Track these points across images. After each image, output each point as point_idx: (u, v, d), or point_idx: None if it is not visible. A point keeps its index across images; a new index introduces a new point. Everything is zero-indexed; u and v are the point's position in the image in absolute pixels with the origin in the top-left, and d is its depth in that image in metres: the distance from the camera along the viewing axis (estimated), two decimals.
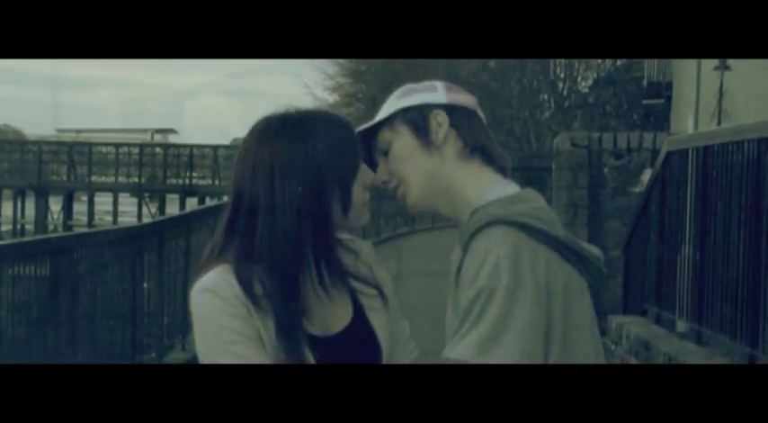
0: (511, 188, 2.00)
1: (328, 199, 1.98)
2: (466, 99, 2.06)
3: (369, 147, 2.07)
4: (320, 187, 1.97)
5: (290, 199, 1.96)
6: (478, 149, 2.01)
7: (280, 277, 1.96)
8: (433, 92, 2.04)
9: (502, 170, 2.03)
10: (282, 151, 1.97)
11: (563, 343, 1.89)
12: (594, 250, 2.00)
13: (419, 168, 2.01)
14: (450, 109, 2.02)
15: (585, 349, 1.94)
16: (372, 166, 2.07)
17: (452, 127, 2.01)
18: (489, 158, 2.02)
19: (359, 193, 2.02)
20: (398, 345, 2.12)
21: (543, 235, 1.89)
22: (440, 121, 2.01)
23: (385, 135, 2.04)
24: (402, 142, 2.03)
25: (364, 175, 2.04)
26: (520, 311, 1.83)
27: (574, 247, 1.93)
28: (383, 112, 2.05)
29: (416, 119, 2.02)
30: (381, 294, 2.11)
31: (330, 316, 2.04)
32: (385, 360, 2.06)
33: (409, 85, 2.08)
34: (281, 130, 2.00)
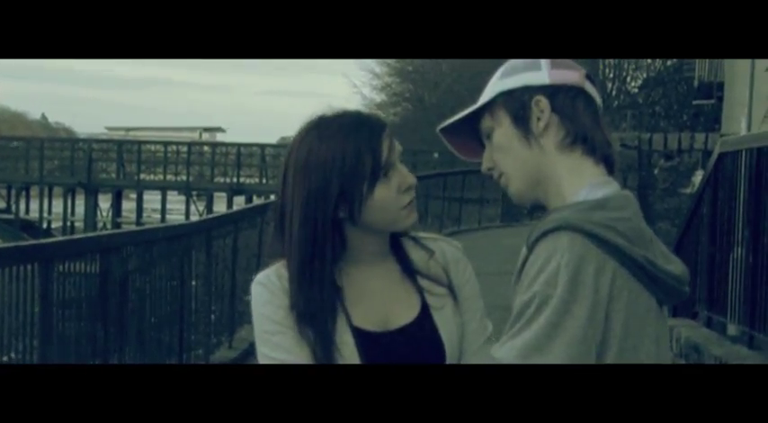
0: (605, 189, 1.89)
1: (335, 201, 1.99)
2: (572, 75, 1.93)
3: (474, 130, 1.99)
4: (326, 189, 1.99)
5: (300, 201, 2.00)
6: (580, 138, 1.91)
7: (300, 276, 2.02)
8: (537, 70, 1.92)
9: (605, 160, 1.93)
10: (302, 154, 2.02)
11: (617, 363, 1.80)
12: (675, 269, 1.89)
13: (519, 160, 1.92)
14: (552, 91, 1.91)
15: None
16: (480, 149, 2.00)
17: (554, 112, 1.90)
18: (592, 148, 1.91)
19: (391, 198, 2.01)
20: (471, 347, 2.09)
21: (614, 249, 1.80)
22: (541, 108, 1.90)
23: (487, 121, 1.96)
24: (502, 132, 1.94)
25: (402, 178, 2.02)
26: (571, 324, 1.75)
27: (647, 268, 1.83)
28: (486, 94, 1.96)
29: (516, 107, 1.92)
30: (452, 294, 2.10)
31: (390, 312, 2.06)
32: (449, 361, 2.04)
33: (512, 62, 1.97)
34: (307, 134, 2.03)
